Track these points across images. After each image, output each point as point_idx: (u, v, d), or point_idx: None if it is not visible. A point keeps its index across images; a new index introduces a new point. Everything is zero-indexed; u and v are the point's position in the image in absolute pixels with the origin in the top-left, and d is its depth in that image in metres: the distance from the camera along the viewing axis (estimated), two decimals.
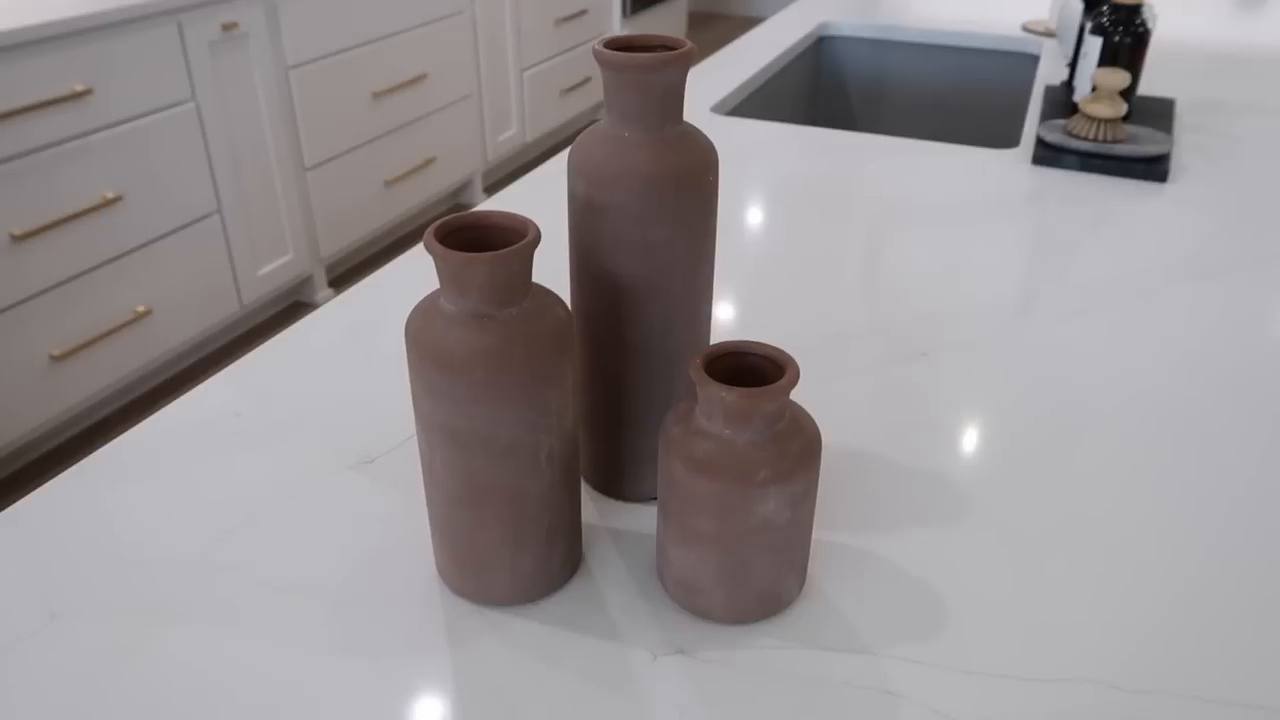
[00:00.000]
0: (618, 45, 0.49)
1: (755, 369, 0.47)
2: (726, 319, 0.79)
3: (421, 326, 0.44)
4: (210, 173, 2.25)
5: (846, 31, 1.85)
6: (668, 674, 0.47)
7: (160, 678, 0.46)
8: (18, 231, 1.84)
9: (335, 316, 0.78)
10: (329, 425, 0.64)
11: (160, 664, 0.47)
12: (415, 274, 0.85)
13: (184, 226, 2.21)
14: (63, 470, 2.00)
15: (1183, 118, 1.29)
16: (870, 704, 0.45)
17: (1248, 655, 0.48)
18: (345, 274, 2.84)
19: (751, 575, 0.48)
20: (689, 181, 0.49)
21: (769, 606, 0.49)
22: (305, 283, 2.67)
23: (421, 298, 0.48)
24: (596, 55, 0.48)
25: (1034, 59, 1.71)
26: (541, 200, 1.01)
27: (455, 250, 0.42)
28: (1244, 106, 1.34)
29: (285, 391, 0.68)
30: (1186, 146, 1.18)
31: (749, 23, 5.95)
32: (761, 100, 1.57)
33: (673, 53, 0.47)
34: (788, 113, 1.73)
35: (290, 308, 2.67)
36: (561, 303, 0.46)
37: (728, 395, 0.44)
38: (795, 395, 0.69)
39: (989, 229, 0.96)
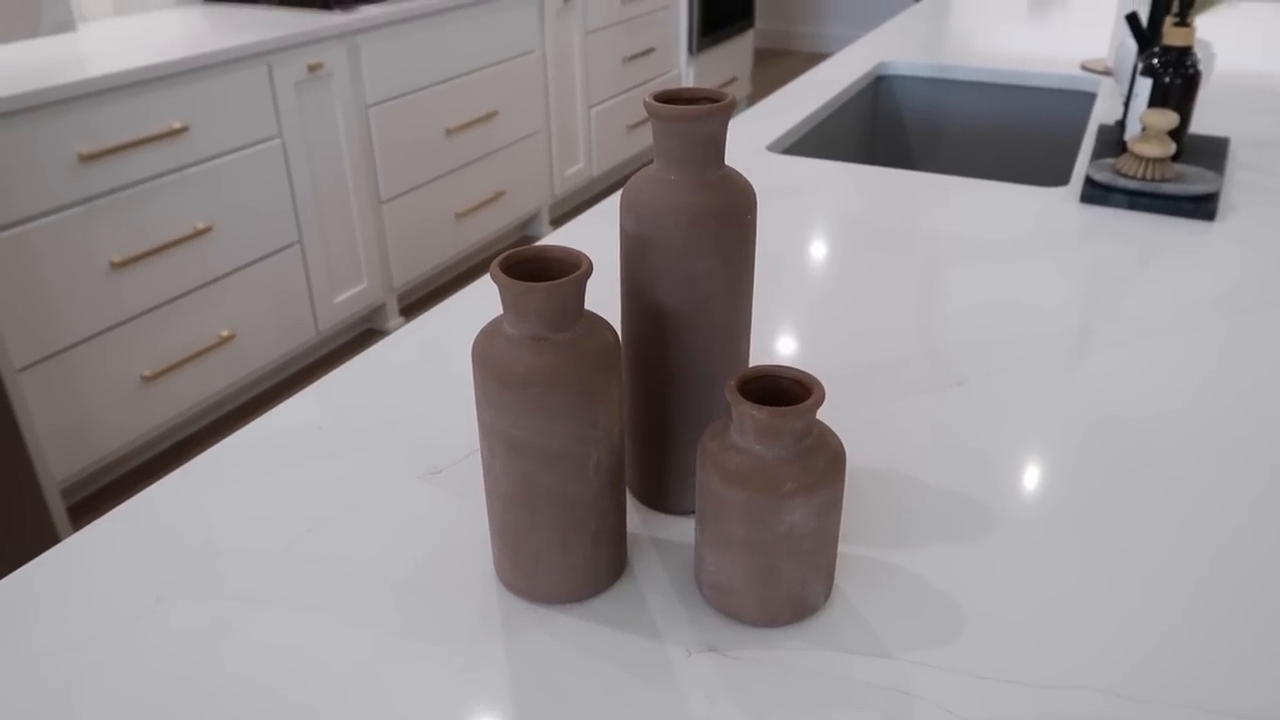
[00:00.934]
0: (666, 98, 0.55)
1: (786, 390, 0.52)
2: (773, 345, 0.83)
3: (486, 346, 0.49)
4: (293, 205, 2.37)
5: (905, 71, 1.89)
6: (701, 669, 0.51)
7: (250, 655, 0.52)
8: (117, 259, 1.97)
9: (409, 339, 0.85)
10: (401, 439, 0.70)
11: (250, 643, 0.53)
12: (482, 302, 0.91)
13: (267, 256, 2.33)
14: (152, 483, 2.12)
15: (1237, 155, 1.30)
16: (886, 702, 0.49)
17: (1252, 668, 0.51)
18: (416, 303, 2.95)
19: (780, 580, 0.52)
20: (728, 219, 0.54)
21: (796, 610, 0.53)
22: (378, 311, 2.79)
23: (487, 322, 0.53)
24: (646, 107, 0.53)
25: (1091, 97, 1.73)
26: (599, 234, 1.07)
27: (517, 280, 0.48)
28: None
29: (363, 407, 0.74)
30: (1238, 185, 1.20)
31: (814, 58, 6.01)
32: (819, 139, 1.62)
33: (715, 104, 0.53)
34: (845, 151, 1.77)
35: (363, 335, 2.78)
36: (611, 328, 0.51)
37: (758, 413, 0.48)
38: (833, 420, 0.73)
39: (1035, 264, 0.99)
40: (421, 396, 0.76)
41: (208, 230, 2.15)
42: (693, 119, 0.52)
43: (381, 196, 2.65)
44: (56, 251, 1.87)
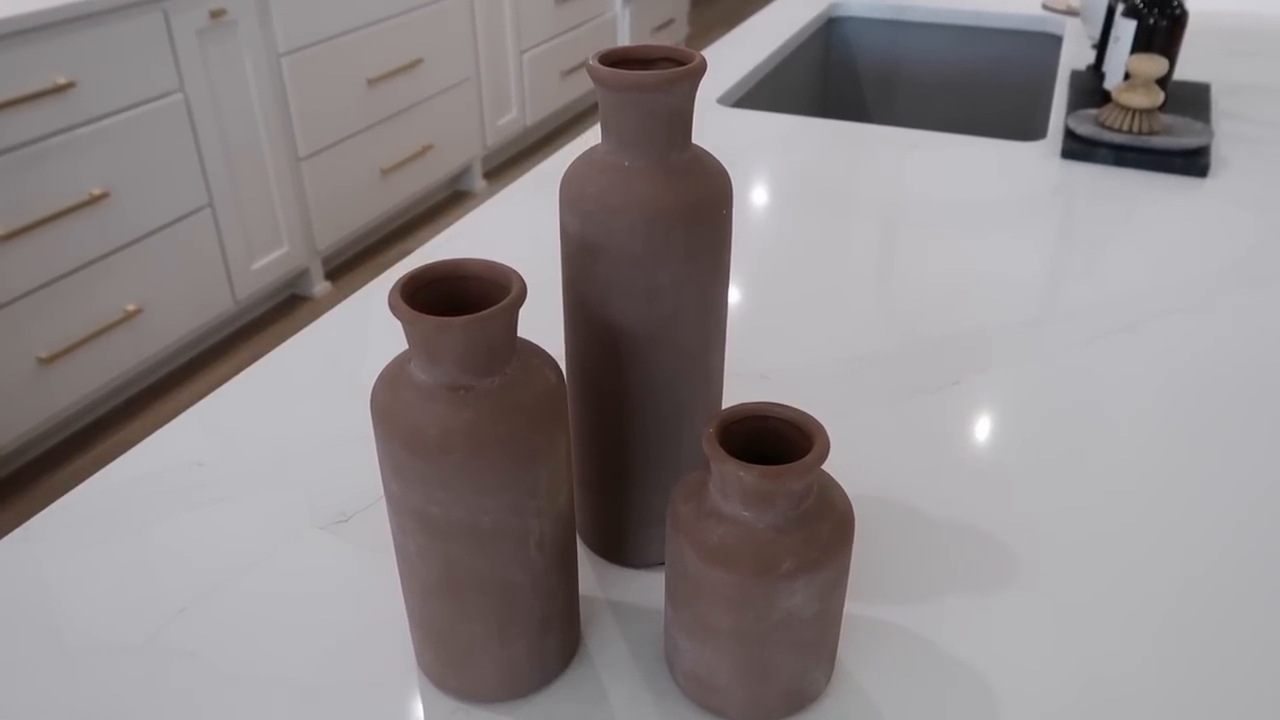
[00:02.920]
0: (614, 59, 0.43)
1: (778, 433, 0.41)
2: (737, 343, 0.72)
3: (389, 400, 0.37)
4: (201, 165, 2.18)
5: (858, 12, 1.77)
6: None
7: None
8: (2, 231, 1.78)
9: (313, 347, 0.72)
10: (301, 476, 0.58)
11: None
12: None
13: (175, 221, 2.14)
14: (57, 473, 1.94)
15: (1219, 103, 1.22)
16: None
17: None
18: (342, 265, 2.78)
19: (774, 673, 0.41)
20: (700, 216, 0.42)
21: (793, 704, 0.43)
22: (301, 276, 2.61)
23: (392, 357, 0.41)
24: (591, 72, 0.41)
25: (1056, 40, 1.63)
26: (538, 208, 0.94)
27: (426, 312, 0.36)
28: None
29: (253, 435, 0.62)
30: (1226, 136, 1.11)
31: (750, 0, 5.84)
32: (770, 88, 1.50)
33: (681, 68, 0.41)
34: (798, 100, 1.65)
35: (286, 301, 2.61)
36: (552, 363, 0.40)
37: (747, 475, 0.37)
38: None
39: (1018, 231, 0.89)
40: (327, 420, 0.63)
41: (104, 196, 1.96)
42: (655, 87, 0.40)
43: (299, 153, 2.46)
44: None
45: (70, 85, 1.85)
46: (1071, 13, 1.64)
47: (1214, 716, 0.43)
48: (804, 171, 1.03)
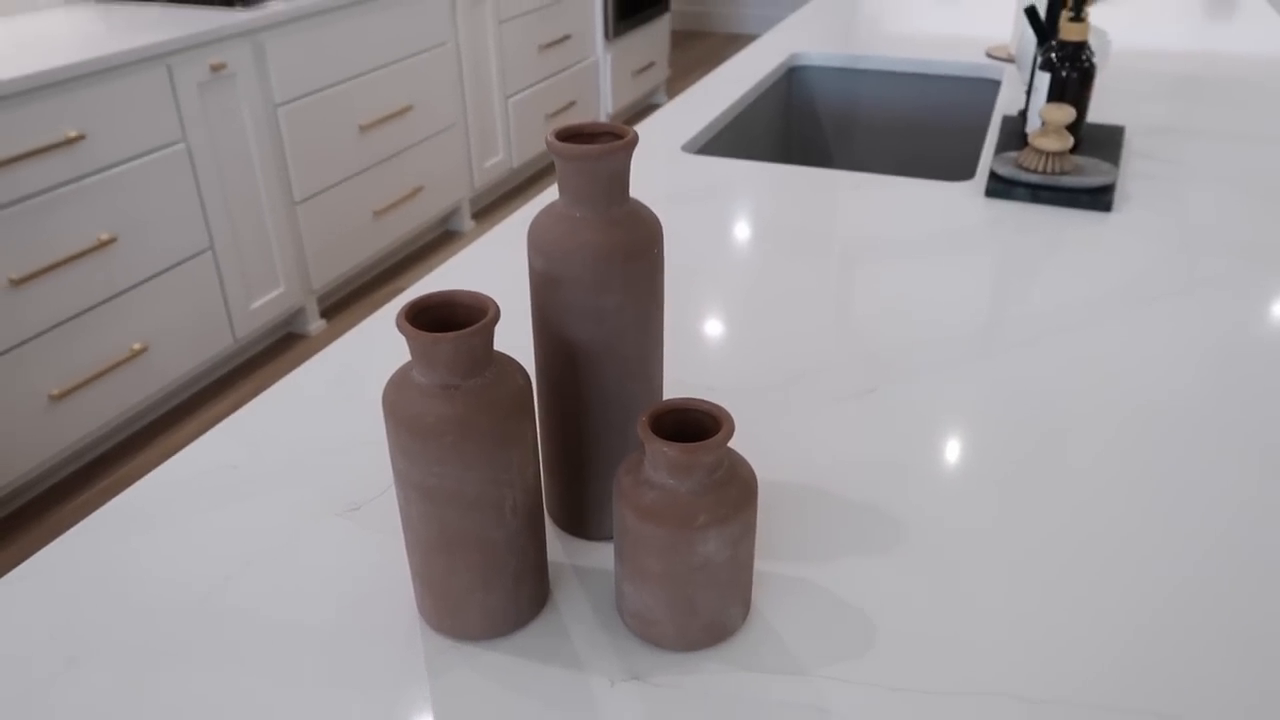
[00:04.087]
0: (568, 135, 0.55)
1: (697, 424, 0.53)
2: (689, 357, 0.84)
3: (396, 398, 0.49)
4: (202, 210, 2.31)
5: (817, 61, 1.91)
6: (625, 698, 0.52)
7: (171, 713, 0.51)
8: (15, 276, 1.90)
9: (322, 367, 0.84)
10: (319, 474, 0.70)
11: (171, 701, 0.52)
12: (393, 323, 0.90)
13: (177, 264, 2.26)
14: (66, 505, 2.04)
15: (1132, 144, 1.35)
16: (802, 714, 0.51)
17: (1155, 667, 0.53)
18: (336, 304, 2.90)
19: (697, 608, 0.53)
20: (635, 255, 0.55)
21: (715, 635, 0.55)
22: (297, 314, 2.73)
23: (396, 369, 0.53)
24: (549, 145, 0.53)
25: (996, 85, 1.78)
26: (521, 246, 1.06)
27: (423, 330, 0.48)
28: (1195, 131, 1.40)
29: (278, 440, 0.73)
30: (1133, 174, 1.24)
31: (732, 39, 6.03)
32: (734, 134, 1.63)
33: (618, 142, 0.53)
34: (760, 145, 1.79)
35: (283, 339, 2.72)
36: (521, 370, 0.52)
37: (670, 450, 0.49)
38: (749, 434, 0.74)
39: (944, 261, 1.02)
40: (337, 428, 0.75)
41: (112, 241, 2.08)
42: (596, 157, 0.52)
43: (295, 197, 2.59)
44: None
45: (80, 138, 1.98)
46: (1010, 60, 1.79)
47: (1043, 634, 0.55)
48: (755, 211, 1.15)
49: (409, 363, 0.51)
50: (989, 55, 1.84)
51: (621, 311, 0.55)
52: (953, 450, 0.72)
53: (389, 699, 0.52)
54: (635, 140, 0.54)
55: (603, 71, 4.24)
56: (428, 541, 0.52)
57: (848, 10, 2.26)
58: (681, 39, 6.13)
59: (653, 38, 4.66)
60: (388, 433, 0.50)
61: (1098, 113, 1.48)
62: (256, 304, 2.53)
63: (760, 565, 0.61)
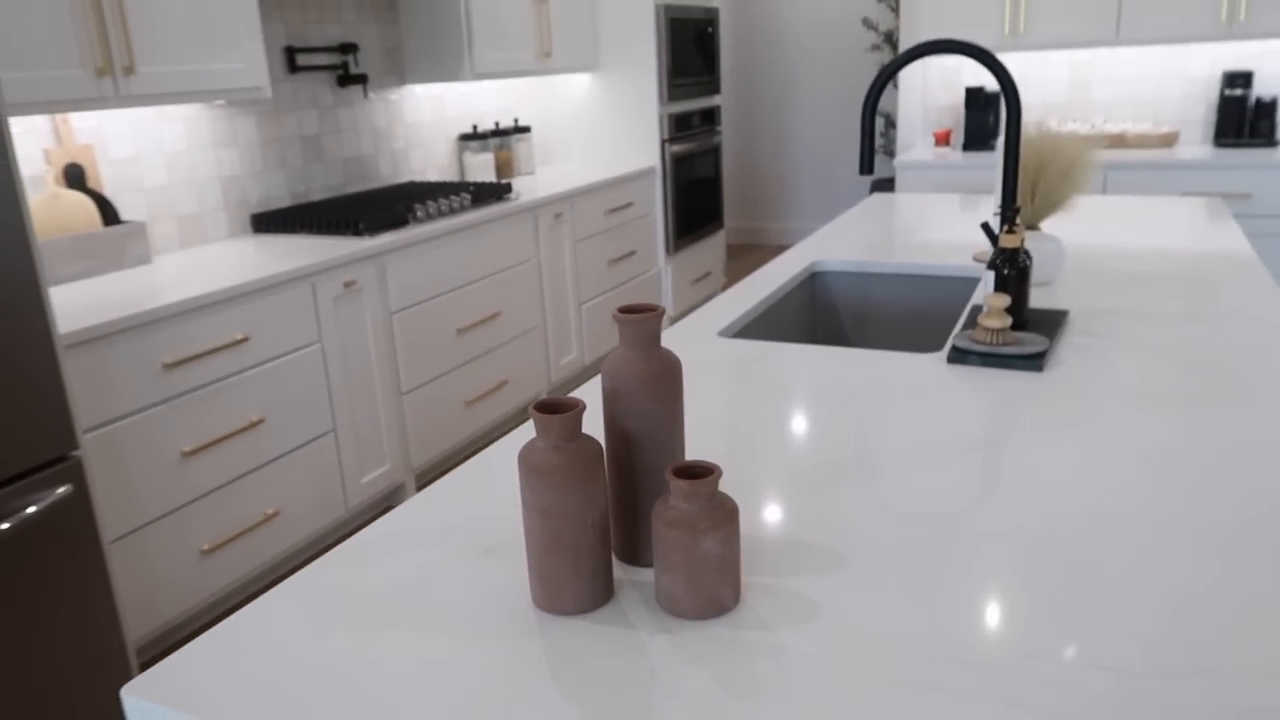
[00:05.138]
0: (627, 310, 0.94)
1: (700, 472, 0.88)
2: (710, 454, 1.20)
3: (528, 452, 0.86)
4: (329, 398, 2.77)
5: (835, 267, 2.34)
6: (660, 644, 0.85)
7: (397, 661, 0.86)
8: (187, 448, 2.35)
9: (456, 487, 1.21)
10: (469, 535, 1.06)
11: (396, 656, 0.87)
12: (508, 457, 1.28)
13: (308, 442, 2.71)
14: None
15: (1075, 323, 1.71)
16: (769, 653, 0.83)
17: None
18: (430, 481, 3.30)
19: (704, 589, 0.87)
20: (664, 378, 0.92)
21: (716, 609, 0.88)
22: (398, 489, 3.13)
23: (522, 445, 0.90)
24: (614, 317, 0.92)
25: (975, 281, 2.17)
26: (592, 390, 1.45)
27: (544, 414, 0.86)
28: (1130, 312, 1.76)
29: (444, 514, 1.10)
30: (1069, 346, 1.60)
31: (778, 251, 6.63)
32: (764, 323, 2.04)
33: (652, 314, 0.92)
34: (789, 333, 2.19)
35: (383, 511, 3.12)
36: (597, 442, 0.89)
37: (684, 484, 0.85)
38: (759, 502, 1.08)
39: (908, 405, 1.37)
40: (479, 510, 1.12)
41: (261, 422, 2.54)
42: (639, 322, 0.91)
43: (402, 389, 3.06)
44: (142, 443, 2.25)
45: (245, 339, 2.48)
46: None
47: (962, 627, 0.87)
48: (767, 379, 1.53)
49: (535, 436, 0.88)
50: (975, 259, 2.24)
51: (656, 411, 0.92)
52: (887, 516, 1.05)
53: (518, 645, 0.86)
54: (663, 312, 0.93)
55: (665, 281, 4.78)
56: (541, 545, 0.87)
57: (866, 225, 2.71)
58: (736, 251, 6.76)
59: (710, 251, 5.23)
60: (520, 477, 0.87)
61: (1052, 300, 1.86)
62: (366, 478, 2.94)
63: (752, 578, 0.94)
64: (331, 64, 3.46)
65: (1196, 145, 4.41)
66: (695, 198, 5.02)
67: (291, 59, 3.30)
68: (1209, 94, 4.40)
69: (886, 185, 5.83)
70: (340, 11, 3.49)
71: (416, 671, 0.83)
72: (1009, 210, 1.67)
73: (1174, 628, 0.84)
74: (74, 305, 2.28)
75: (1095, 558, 0.96)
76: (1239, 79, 4.19)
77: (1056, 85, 4.65)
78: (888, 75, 1.68)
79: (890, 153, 6.63)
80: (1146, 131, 4.35)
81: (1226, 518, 1.02)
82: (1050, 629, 0.84)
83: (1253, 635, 0.83)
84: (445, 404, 3.25)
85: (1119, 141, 4.37)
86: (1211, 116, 4.42)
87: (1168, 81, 4.47)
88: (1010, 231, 1.61)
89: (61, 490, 1.91)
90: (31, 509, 1.85)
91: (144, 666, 2.35)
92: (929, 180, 4.48)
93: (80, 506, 1.96)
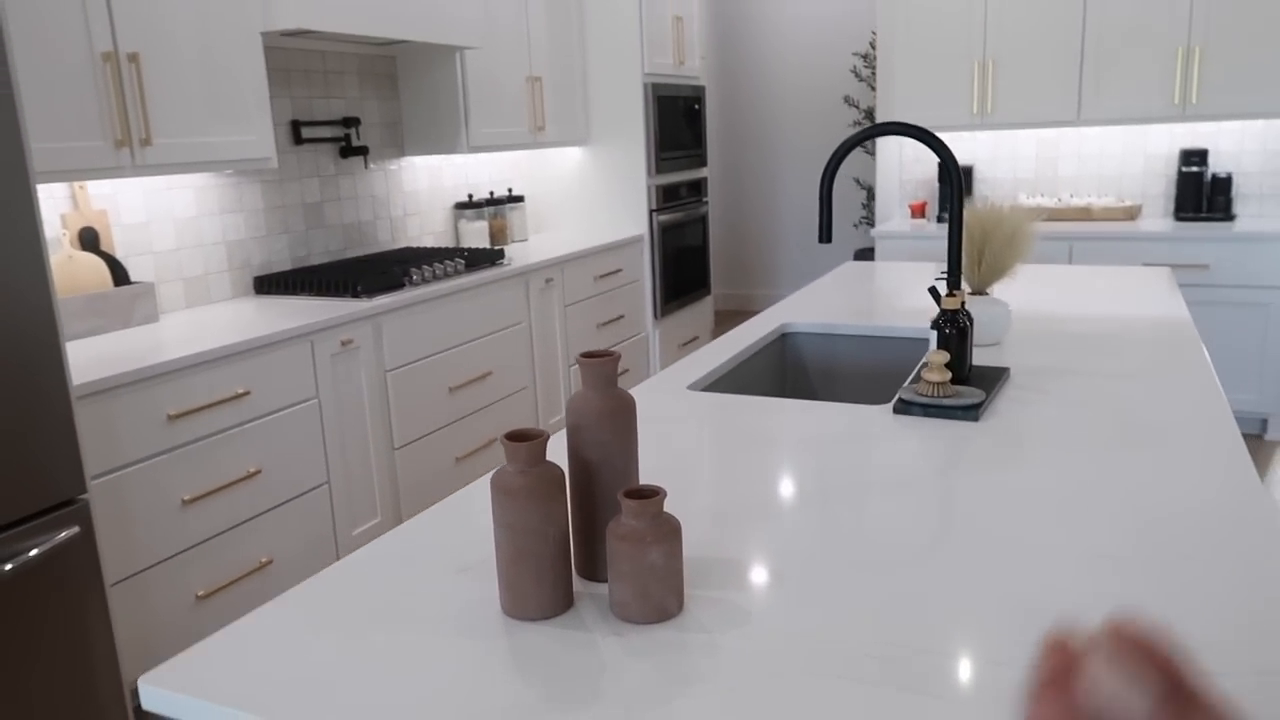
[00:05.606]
0: (587, 355, 1.09)
1: (648, 493, 1.02)
2: (668, 483, 1.33)
3: (498, 476, 1.00)
4: (324, 452, 2.90)
5: (803, 328, 2.50)
6: (610, 644, 0.97)
7: (389, 656, 0.98)
8: (186, 497, 2.46)
9: (435, 521, 1.34)
10: (448, 556, 1.18)
11: (386, 652, 0.99)
12: (479, 495, 1.41)
13: (302, 494, 2.82)
14: None
15: (1015, 379, 1.86)
16: (705, 649, 0.95)
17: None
18: None
19: (650, 597, 0.99)
20: (619, 413, 1.06)
21: (661, 614, 1.00)
22: None
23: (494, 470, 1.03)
24: (579, 360, 1.07)
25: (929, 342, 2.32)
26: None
27: (512, 442, 0.99)
28: (1064, 370, 1.91)
29: (427, 539, 1.23)
30: (1006, 399, 1.74)
31: None
32: (734, 379, 2.18)
33: (608, 358, 1.06)
34: (758, 389, 2.33)
35: None
36: (558, 467, 1.02)
37: (632, 503, 0.98)
38: (710, 541, 1.21)
39: (853, 453, 1.51)
40: (454, 537, 1.24)
41: (258, 473, 2.66)
42: (597, 365, 1.06)
43: (395, 444, 3.18)
44: (145, 491, 2.37)
45: (246, 393, 2.61)
46: None
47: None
48: (727, 425, 1.67)
49: (505, 464, 1.01)
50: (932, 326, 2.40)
51: (612, 442, 1.06)
52: (822, 541, 1.18)
53: (487, 645, 0.98)
54: (618, 356, 1.07)
55: (653, 344, 4.93)
56: (508, 557, 1.00)
57: (832, 291, 2.88)
58: (724, 316, 6.94)
59: (697, 315, 5.40)
60: (492, 498, 1.00)
61: (996, 358, 2.01)
62: (358, 530, 3.05)
63: (695, 591, 1.07)
64: (335, 136, 3.66)
65: (1158, 219, 4.62)
66: (683, 265, 5.21)
67: (297, 132, 3.50)
68: (1168, 170, 4.63)
69: (868, 254, 6.04)
70: (344, 88, 3.71)
71: (397, 664, 0.95)
72: (952, 276, 1.83)
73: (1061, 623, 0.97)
74: (85, 359, 2.42)
75: (1002, 574, 1.09)
76: (1195, 156, 4.42)
77: (1025, 161, 4.89)
78: (840, 156, 1.86)
79: (871, 223, 6.86)
80: (1110, 205, 4.56)
81: (1121, 540, 1.15)
82: (952, 628, 0.97)
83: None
84: (436, 460, 3.38)
85: (1084, 214, 4.59)
86: (1171, 191, 4.64)
87: (1130, 158, 4.70)
88: (951, 295, 1.77)
89: (69, 532, 2.03)
90: (40, 549, 1.97)
91: (137, 710, 2.44)
92: (905, 249, 4.68)
93: (86, 548, 2.07)
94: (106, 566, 2.26)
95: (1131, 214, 4.54)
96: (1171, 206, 4.67)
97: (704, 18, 7.02)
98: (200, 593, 2.51)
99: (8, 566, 1.90)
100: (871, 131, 1.83)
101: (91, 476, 2.25)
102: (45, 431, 1.98)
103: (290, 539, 2.79)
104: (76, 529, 2.04)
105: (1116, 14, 4.28)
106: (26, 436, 1.95)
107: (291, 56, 3.46)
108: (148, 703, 0.95)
